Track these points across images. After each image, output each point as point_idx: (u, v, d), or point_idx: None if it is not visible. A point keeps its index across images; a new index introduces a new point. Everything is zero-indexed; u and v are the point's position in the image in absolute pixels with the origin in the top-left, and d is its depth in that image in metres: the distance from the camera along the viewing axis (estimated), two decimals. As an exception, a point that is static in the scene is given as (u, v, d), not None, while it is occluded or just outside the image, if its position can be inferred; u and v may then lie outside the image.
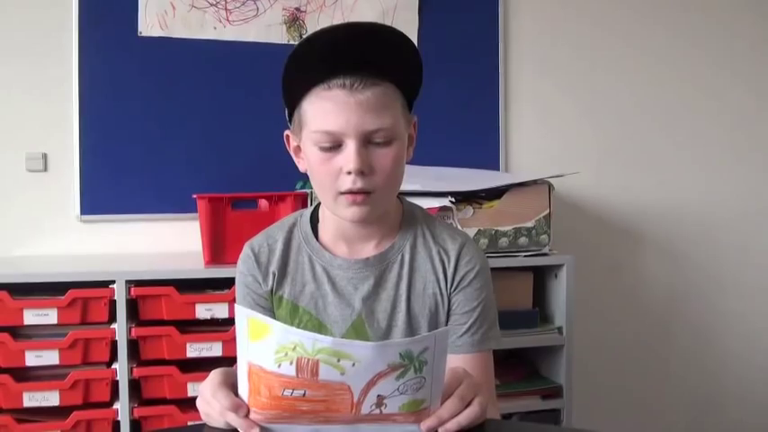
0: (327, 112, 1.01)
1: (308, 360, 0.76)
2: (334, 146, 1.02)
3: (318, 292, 1.13)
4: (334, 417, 0.80)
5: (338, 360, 0.76)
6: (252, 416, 0.83)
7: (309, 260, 1.14)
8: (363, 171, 1.01)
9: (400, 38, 1.04)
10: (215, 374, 0.89)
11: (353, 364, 0.76)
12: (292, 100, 1.07)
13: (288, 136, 1.13)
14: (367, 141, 1.02)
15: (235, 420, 0.84)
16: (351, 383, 0.78)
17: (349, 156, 1.01)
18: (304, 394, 0.78)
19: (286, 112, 1.11)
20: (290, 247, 1.15)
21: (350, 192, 1.03)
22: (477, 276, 1.14)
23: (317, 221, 1.16)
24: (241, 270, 1.17)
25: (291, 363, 0.76)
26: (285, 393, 0.78)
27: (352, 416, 0.80)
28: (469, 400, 0.87)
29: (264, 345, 0.77)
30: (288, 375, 0.77)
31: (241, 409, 0.83)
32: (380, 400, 0.79)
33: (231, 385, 0.86)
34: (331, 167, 1.03)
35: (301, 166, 1.12)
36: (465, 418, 0.85)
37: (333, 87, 1.01)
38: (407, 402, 0.81)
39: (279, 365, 0.77)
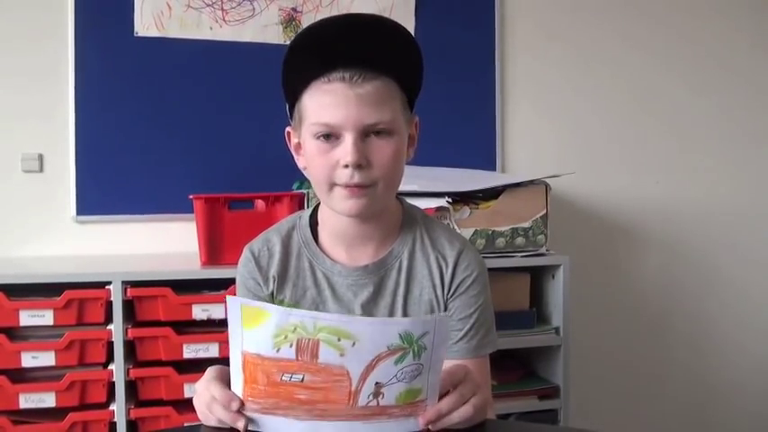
0: (327, 105, 1.01)
1: (309, 340, 0.76)
2: (333, 137, 1.02)
3: (319, 298, 1.13)
4: (330, 408, 0.81)
5: (339, 339, 0.76)
6: (248, 405, 0.83)
7: (310, 265, 1.14)
8: (361, 164, 1.01)
9: (402, 32, 1.05)
10: (210, 371, 0.90)
11: (353, 344, 0.77)
12: (293, 94, 1.06)
13: (289, 133, 1.13)
14: (365, 135, 1.02)
15: (220, 412, 0.84)
16: (350, 367, 0.78)
17: (347, 149, 1.01)
18: (302, 379, 0.79)
19: (287, 107, 1.10)
20: (290, 251, 1.15)
21: (346, 185, 1.02)
22: (474, 282, 1.14)
23: (316, 224, 1.16)
24: (242, 273, 1.17)
25: (291, 345, 0.77)
26: (284, 378, 0.79)
27: (349, 407, 0.80)
28: (467, 399, 0.88)
29: (261, 330, 0.78)
30: (287, 359, 0.78)
31: (233, 402, 0.83)
32: (378, 389, 0.80)
33: (226, 381, 0.87)
34: (329, 159, 1.02)
35: (300, 163, 1.12)
36: (458, 415, 0.87)
37: (333, 80, 1.01)
38: (404, 392, 0.81)
39: (278, 350, 0.77)
